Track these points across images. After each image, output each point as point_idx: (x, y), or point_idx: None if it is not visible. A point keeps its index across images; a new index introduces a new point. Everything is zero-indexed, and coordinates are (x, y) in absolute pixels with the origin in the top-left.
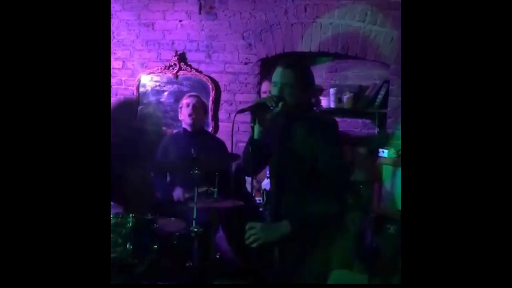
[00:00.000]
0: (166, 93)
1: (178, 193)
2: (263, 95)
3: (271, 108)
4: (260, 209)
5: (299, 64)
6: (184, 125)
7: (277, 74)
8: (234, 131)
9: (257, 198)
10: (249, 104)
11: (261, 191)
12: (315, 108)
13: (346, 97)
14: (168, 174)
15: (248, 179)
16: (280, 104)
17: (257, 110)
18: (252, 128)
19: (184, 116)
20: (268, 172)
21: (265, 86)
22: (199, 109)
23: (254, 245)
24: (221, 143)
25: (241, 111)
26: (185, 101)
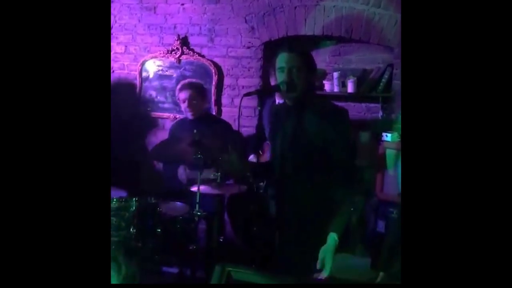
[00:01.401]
0: (168, 78)
1: (181, 172)
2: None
3: (285, 92)
4: (261, 191)
5: (301, 48)
6: (184, 114)
7: (282, 59)
8: (239, 116)
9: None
10: (253, 89)
11: None
12: (321, 92)
13: (349, 81)
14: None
15: (251, 161)
16: (298, 89)
17: (264, 93)
18: (260, 111)
19: (183, 110)
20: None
21: None
22: (196, 100)
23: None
24: (226, 125)
25: (248, 94)
26: (180, 95)
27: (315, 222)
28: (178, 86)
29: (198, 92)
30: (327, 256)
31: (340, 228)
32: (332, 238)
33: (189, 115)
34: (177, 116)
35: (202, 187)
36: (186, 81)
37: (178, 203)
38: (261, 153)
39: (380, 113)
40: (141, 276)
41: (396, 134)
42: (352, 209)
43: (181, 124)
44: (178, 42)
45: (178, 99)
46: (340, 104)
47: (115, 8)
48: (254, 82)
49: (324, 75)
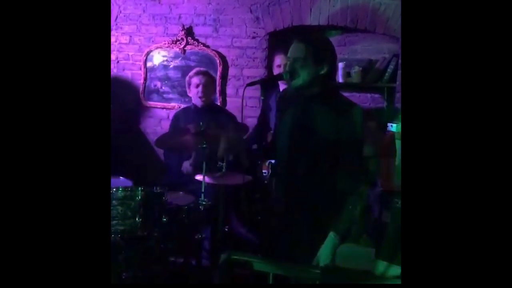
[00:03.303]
0: (173, 68)
1: (186, 165)
2: (277, 69)
3: (286, 82)
4: (265, 182)
5: (314, 38)
6: (194, 101)
7: (291, 48)
8: (242, 106)
9: (263, 171)
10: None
11: (267, 164)
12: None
13: (355, 71)
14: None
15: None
16: (300, 79)
17: (267, 83)
18: (263, 101)
19: (194, 95)
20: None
21: (278, 59)
22: (209, 87)
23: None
24: (231, 116)
25: (251, 84)
26: (193, 80)
27: (320, 211)
28: (192, 72)
29: (210, 80)
30: (323, 253)
31: (341, 228)
32: (330, 237)
33: (199, 102)
34: (184, 106)
35: (207, 177)
36: (199, 68)
37: (184, 193)
38: (264, 143)
39: (385, 103)
40: (146, 266)
41: (401, 124)
42: (356, 205)
43: (184, 113)
44: (183, 32)
45: (189, 84)
46: (345, 94)
47: None
48: (259, 72)
49: None
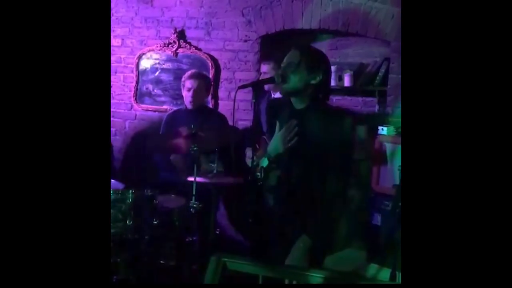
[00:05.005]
0: (165, 71)
1: (174, 156)
2: (263, 76)
3: (278, 83)
4: (259, 184)
5: (310, 48)
6: (185, 103)
7: (287, 55)
8: (234, 109)
9: (258, 174)
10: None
11: (259, 168)
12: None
13: (346, 74)
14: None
15: (249, 154)
16: (291, 84)
17: (259, 86)
18: (255, 104)
19: (185, 97)
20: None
21: (264, 67)
22: (200, 92)
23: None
24: (222, 118)
25: (242, 86)
26: (186, 83)
27: (310, 216)
28: (187, 74)
29: (204, 84)
30: (296, 258)
31: (316, 232)
32: (302, 240)
33: (189, 105)
34: (176, 109)
35: (198, 179)
36: (195, 70)
37: (175, 195)
38: (257, 147)
39: (377, 107)
40: (137, 269)
41: (392, 128)
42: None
43: (176, 116)
44: (175, 35)
45: (183, 86)
46: (336, 98)
47: (112, 1)
48: (251, 75)
49: None
